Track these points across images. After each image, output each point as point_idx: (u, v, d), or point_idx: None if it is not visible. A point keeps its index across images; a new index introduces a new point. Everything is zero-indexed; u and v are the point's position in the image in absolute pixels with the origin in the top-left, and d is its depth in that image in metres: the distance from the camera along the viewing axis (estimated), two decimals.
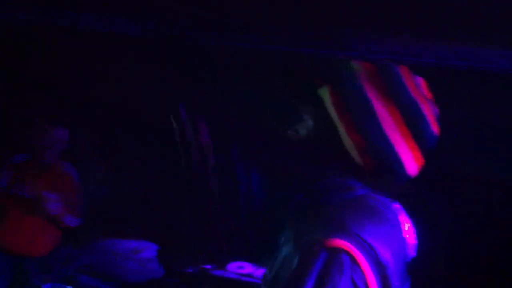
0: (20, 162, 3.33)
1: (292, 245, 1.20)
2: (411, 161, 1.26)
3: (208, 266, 3.04)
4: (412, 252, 1.26)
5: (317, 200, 1.25)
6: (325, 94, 1.31)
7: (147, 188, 3.87)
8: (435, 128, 1.29)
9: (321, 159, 1.32)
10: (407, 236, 1.25)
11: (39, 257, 3.31)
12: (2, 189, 3.23)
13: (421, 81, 1.33)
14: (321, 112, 1.31)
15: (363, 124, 1.25)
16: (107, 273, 3.25)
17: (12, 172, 3.27)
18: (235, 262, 3.08)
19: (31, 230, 3.23)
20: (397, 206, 1.29)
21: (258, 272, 3.01)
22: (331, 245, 1.11)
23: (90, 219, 3.54)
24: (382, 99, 1.26)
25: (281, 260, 1.22)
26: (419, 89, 1.30)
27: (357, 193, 1.26)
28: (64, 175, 3.33)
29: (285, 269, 1.18)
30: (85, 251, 3.57)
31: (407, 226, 1.26)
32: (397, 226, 1.26)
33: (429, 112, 1.29)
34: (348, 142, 1.26)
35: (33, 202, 3.15)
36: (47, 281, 2.93)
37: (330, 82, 1.32)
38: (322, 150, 1.31)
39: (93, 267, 3.32)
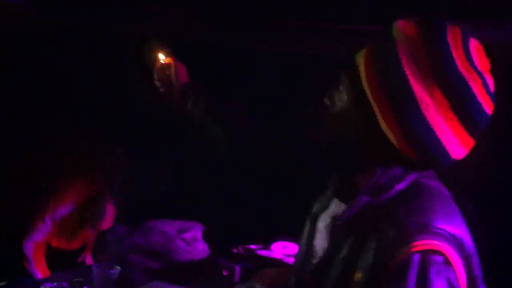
0: None
1: (355, 244, 1.12)
2: (457, 146, 1.10)
3: (254, 246, 3.08)
4: None
5: (375, 196, 1.15)
6: (360, 63, 1.14)
7: (192, 169, 3.92)
8: (488, 107, 1.11)
9: (356, 140, 1.18)
10: None
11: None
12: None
13: (474, 47, 1.10)
14: (355, 84, 1.14)
15: (398, 107, 1.08)
16: (155, 252, 3.33)
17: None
18: (279, 242, 3.11)
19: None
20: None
21: None
22: (420, 248, 1.04)
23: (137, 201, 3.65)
24: (421, 76, 1.07)
25: (342, 260, 1.14)
26: (471, 59, 1.08)
27: (409, 178, 1.15)
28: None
29: (348, 270, 1.11)
30: (135, 231, 3.67)
31: None
32: (456, 206, 1.17)
33: (481, 89, 1.08)
34: (383, 125, 1.10)
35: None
36: (100, 261, 3.02)
37: (367, 49, 1.14)
38: (356, 129, 1.16)
39: (141, 247, 3.39)
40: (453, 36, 1.08)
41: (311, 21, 3.07)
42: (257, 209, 3.43)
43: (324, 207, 1.29)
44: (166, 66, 1.81)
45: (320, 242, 1.25)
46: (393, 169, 1.15)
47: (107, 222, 3.55)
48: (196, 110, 1.72)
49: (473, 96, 1.07)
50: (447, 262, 1.03)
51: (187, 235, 3.46)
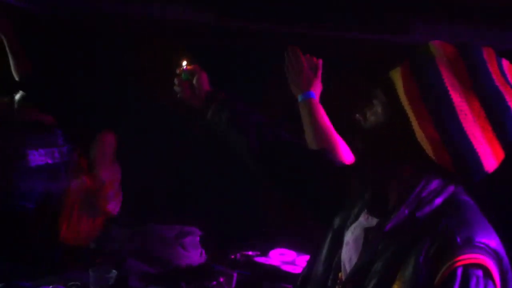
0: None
1: (393, 257, 1.14)
2: (490, 157, 1.16)
3: (251, 253, 3.07)
4: None
5: (416, 210, 1.17)
6: (397, 78, 1.20)
7: (190, 176, 3.93)
8: None
9: (391, 153, 1.22)
10: None
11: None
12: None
13: (507, 65, 1.18)
14: (391, 98, 1.20)
15: (438, 115, 1.14)
16: (153, 257, 3.32)
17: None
18: (277, 249, 3.11)
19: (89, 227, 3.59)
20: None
21: (300, 259, 3.03)
22: (464, 262, 1.07)
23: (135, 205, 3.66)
24: (461, 88, 1.14)
25: (379, 273, 1.16)
26: (505, 76, 1.16)
27: (447, 192, 1.19)
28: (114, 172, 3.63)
29: (385, 282, 1.13)
30: (134, 235, 3.67)
31: None
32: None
33: None
34: (420, 134, 1.15)
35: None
36: (97, 264, 3.01)
37: (404, 66, 1.20)
38: (391, 141, 1.21)
39: (139, 251, 3.39)
40: (488, 54, 1.16)
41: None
42: (255, 216, 3.43)
43: (351, 221, 1.31)
44: (189, 72, 1.79)
45: (348, 254, 1.27)
46: (433, 182, 1.19)
47: (113, 205, 3.63)
48: (217, 119, 1.70)
49: (508, 109, 1.14)
50: (487, 275, 1.08)
51: (186, 241, 3.46)
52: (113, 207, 3.62)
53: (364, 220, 1.28)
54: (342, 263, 1.28)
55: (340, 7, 2.83)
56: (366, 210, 1.29)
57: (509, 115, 1.14)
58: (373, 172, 1.29)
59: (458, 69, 1.14)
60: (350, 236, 1.29)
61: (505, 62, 1.18)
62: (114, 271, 2.54)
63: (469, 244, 1.08)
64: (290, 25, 3.24)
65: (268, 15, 3.19)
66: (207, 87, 1.79)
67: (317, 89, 1.97)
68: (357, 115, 1.28)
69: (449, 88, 1.13)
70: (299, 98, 1.96)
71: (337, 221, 1.36)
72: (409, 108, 1.15)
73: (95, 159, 3.56)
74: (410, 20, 2.77)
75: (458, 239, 1.08)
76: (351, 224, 1.30)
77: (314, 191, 1.52)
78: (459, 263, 1.06)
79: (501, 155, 1.17)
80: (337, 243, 1.32)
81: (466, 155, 1.13)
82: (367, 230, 1.25)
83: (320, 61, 2.03)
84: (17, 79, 3.02)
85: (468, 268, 1.06)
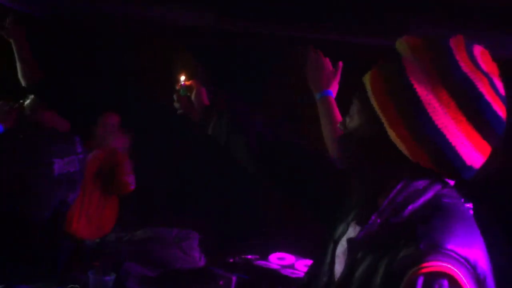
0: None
1: (369, 265, 1.11)
2: (470, 150, 1.08)
3: (250, 256, 3.07)
4: None
5: (391, 216, 1.13)
6: (368, 82, 1.15)
7: (190, 177, 3.92)
8: (498, 108, 1.09)
9: (370, 158, 1.17)
10: None
11: (93, 242, 3.55)
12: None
13: (479, 51, 1.11)
14: (364, 102, 1.16)
15: (406, 113, 1.08)
16: (152, 260, 3.32)
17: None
18: (276, 253, 3.10)
19: (99, 211, 3.65)
20: (468, 204, 1.20)
21: (299, 263, 3.03)
22: (427, 270, 1.00)
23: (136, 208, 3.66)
24: (427, 81, 1.07)
25: (356, 283, 1.13)
26: (475, 62, 1.09)
27: (428, 194, 1.13)
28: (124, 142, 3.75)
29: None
30: (132, 238, 3.67)
31: None
32: (475, 226, 1.13)
33: (488, 89, 1.07)
34: (393, 135, 1.10)
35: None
36: (96, 268, 3.01)
37: (373, 68, 1.16)
38: (369, 146, 1.16)
39: (138, 254, 3.39)
40: (455, 42, 1.10)
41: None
42: (255, 217, 3.43)
43: (344, 232, 1.28)
44: (187, 88, 1.80)
45: (339, 267, 1.23)
46: (413, 185, 1.13)
47: (131, 178, 3.66)
48: (218, 131, 1.70)
49: (480, 96, 1.07)
50: (454, 285, 1.00)
51: (184, 244, 3.46)
52: (131, 180, 3.66)
53: (352, 231, 1.24)
54: (334, 277, 1.24)
55: (339, 8, 2.84)
56: (355, 220, 1.26)
57: (483, 102, 1.06)
58: (358, 179, 1.25)
59: (423, 62, 1.09)
60: (340, 248, 1.26)
61: (477, 48, 1.12)
62: (113, 273, 2.54)
63: (434, 251, 1.01)
64: (290, 26, 3.25)
65: (267, 16, 3.20)
66: (206, 101, 1.79)
67: (334, 89, 2.02)
68: (339, 124, 1.25)
69: (413, 83, 1.07)
70: (318, 95, 2.00)
71: (336, 233, 1.32)
72: (379, 111, 1.11)
73: (102, 136, 3.61)
74: (410, 20, 2.78)
75: (422, 246, 1.02)
76: (342, 236, 1.27)
77: (314, 191, 1.49)
78: (420, 271, 0.99)
79: (485, 146, 1.09)
80: (334, 254, 1.28)
81: (442, 150, 1.07)
82: (349, 241, 1.22)
83: (341, 63, 2.05)
84: (24, 85, 3.03)
85: (431, 277, 0.99)
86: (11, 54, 2.98)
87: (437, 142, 1.07)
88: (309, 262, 2.95)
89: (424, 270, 1.00)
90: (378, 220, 1.13)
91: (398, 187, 1.13)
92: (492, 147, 1.11)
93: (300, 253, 3.06)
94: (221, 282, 2.80)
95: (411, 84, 1.07)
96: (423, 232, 1.05)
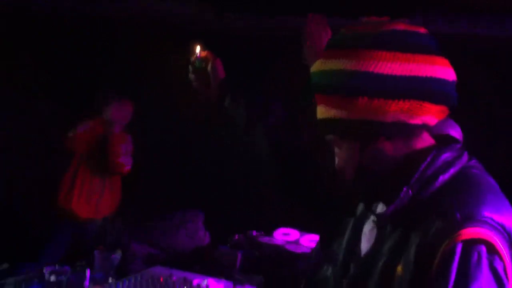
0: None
1: (400, 238, 1.11)
2: (438, 69, 1.12)
3: (255, 233, 3.07)
4: None
5: (422, 188, 1.12)
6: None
7: (195, 159, 3.93)
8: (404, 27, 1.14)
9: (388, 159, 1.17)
10: None
11: (97, 225, 3.57)
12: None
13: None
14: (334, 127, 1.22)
15: (363, 91, 1.12)
16: (157, 241, 3.33)
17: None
18: (281, 229, 3.11)
19: (99, 191, 3.72)
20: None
21: (304, 238, 3.04)
22: (464, 237, 1.00)
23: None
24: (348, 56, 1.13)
25: (384, 257, 1.13)
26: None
27: (456, 166, 1.13)
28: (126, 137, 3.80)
29: (390, 266, 1.10)
30: (136, 229, 3.69)
31: None
32: (503, 195, 1.13)
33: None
34: (365, 115, 1.13)
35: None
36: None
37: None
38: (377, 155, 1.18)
39: (144, 236, 3.40)
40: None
41: None
42: (259, 196, 3.43)
43: (370, 210, 1.27)
44: (202, 59, 1.75)
45: (366, 244, 1.24)
46: (441, 157, 1.13)
47: (125, 159, 3.71)
48: (235, 106, 1.68)
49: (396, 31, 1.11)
50: (492, 251, 1.01)
51: (190, 224, 3.46)
52: (126, 161, 3.69)
53: (380, 207, 1.24)
54: (360, 253, 1.25)
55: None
56: (380, 196, 1.24)
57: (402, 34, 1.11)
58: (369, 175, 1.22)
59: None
60: (367, 226, 1.27)
61: None
62: (119, 251, 2.55)
63: (470, 219, 1.02)
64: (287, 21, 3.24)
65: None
66: (222, 74, 1.76)
67: None
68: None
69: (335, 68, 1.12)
70: None
71: (359, 210, 1.33)
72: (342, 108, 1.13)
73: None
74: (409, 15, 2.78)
75: (458, 215, 1.03)
76: (370, 214, 1.27)
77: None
78: (458, 239, 1.00)
79: (440, 61, 1.12)
80: (358, 233, 1.29)
81: (405, 91, 1.09)
82: (378, 217, 1.22)
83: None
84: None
85: (469, 244, 1.00)
86: None
87: (402, 86, 1.08)
88: (314, 237, 2.96)
89: (462, 238, 1.00)
90: (410, 192, 1.12)
91: (428, 159, 1.13)
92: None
93: (305, 227, 3.06)
94: (226, 259, 2.81)
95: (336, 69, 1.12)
96: (457, 202, 1.06)
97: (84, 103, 3.75)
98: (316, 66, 1.18)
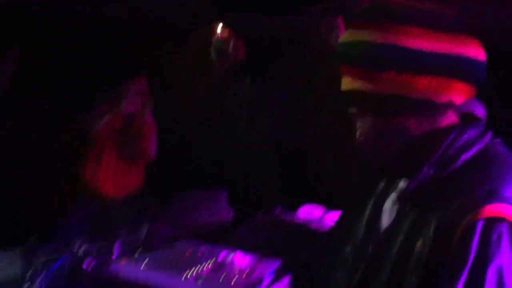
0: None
1: (419, 216, 1.11)
2: (468, 47, 1.12)
3: (278, 211, 3.06)
4: None
5: (444, 167, 1.12)
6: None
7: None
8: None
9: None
10: None
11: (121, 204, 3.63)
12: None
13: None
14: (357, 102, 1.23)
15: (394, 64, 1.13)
16: (179, 224, 3.34)
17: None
18: (305, 206, 3.09)
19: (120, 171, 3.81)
20: None
21: (327, 217, 3.02)
22: (485, 215, 1.00)
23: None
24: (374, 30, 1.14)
25: (404, 233, 1.13)
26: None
27: (479, 144, 1.13)
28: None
29: (409, 242, 1.10)
30: (160, 203, 3.71)
31: None
32: None
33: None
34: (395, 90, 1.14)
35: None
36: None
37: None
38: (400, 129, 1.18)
39: (165, 219, 3.41)
40: None
41: None
42: (283, 174, 3.41)
43: (391, 188, 1.28)
44: (224, 39, 1.74)
45: (387, 221, 1.24)
46: (465, 135, 1.12)
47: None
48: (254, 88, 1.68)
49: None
50: None
51: (212, 206, 3.47)
52: (153, 148, 3.75)
53: (401, 185, 1.25)
54: (381, 230, 1.25)
55: None
56: (401, 174, 1.25)
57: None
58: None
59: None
60: (388, 203, 1.27)
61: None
62: (144, 227, 2.57)
63: (492, 197, 1.02)
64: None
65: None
66: (243, 55, 1.77)
67: None
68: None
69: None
70: None
71: (380, 187, 1.33)
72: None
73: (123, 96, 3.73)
74: None
75: (480, 192, 1.03)
76: (391, 191, 1.28)
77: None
78: (479, 216, 1.00)
79: (472, 41, 1.12)
80: (378, 210, 1.29)
81: (456, 63, 1.09)
82: (399, 194, 1.23)
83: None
84: None
85: (490, 222, 0.99)
86: None
87: (435, 63, 1.07)
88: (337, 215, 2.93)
89: (482, 215, 1.00)
90: (431, 171, 1.12)
91: (451, 137, 1.13)
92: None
93: (329, 205, 3.04)
94: (248, 238, 2.81)
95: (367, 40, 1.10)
96: (479, 180, 1.05)
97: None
98: (345, 37, 1.17)
